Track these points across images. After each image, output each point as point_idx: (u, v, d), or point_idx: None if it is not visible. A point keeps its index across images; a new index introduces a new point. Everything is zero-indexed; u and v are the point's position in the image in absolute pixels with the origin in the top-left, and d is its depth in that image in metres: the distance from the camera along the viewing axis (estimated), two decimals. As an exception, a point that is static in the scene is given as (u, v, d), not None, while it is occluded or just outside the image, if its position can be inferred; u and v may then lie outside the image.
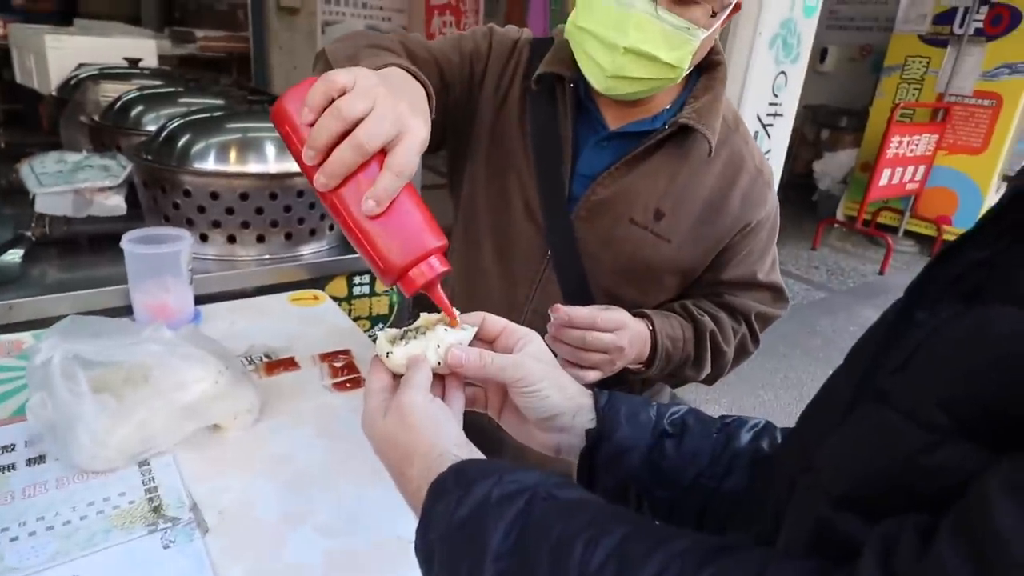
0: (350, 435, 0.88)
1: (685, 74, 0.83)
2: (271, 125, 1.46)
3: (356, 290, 1.47)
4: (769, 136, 2.37)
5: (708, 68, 0.90)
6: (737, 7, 0.80)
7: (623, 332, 0.83)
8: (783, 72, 2.28)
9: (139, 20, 6.08)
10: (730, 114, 0.93)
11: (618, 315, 0.83)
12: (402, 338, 0.56)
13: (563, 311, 0.81)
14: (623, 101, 0.88)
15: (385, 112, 0.51)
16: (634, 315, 0.87)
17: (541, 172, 0.90)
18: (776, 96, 2.31)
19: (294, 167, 1.31)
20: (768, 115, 2.32)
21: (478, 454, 0.49)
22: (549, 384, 0.55)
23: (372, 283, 1.49)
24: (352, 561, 0.69)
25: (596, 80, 0.82)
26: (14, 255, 1.21)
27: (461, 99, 0.93)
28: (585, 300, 0.89)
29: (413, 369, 0.52)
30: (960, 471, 0.27)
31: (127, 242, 1.02)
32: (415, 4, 4.41)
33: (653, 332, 0.88)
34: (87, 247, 1.31)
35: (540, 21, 3.10)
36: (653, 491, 0.55)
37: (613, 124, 0.90)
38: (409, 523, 0.48)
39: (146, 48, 2.52)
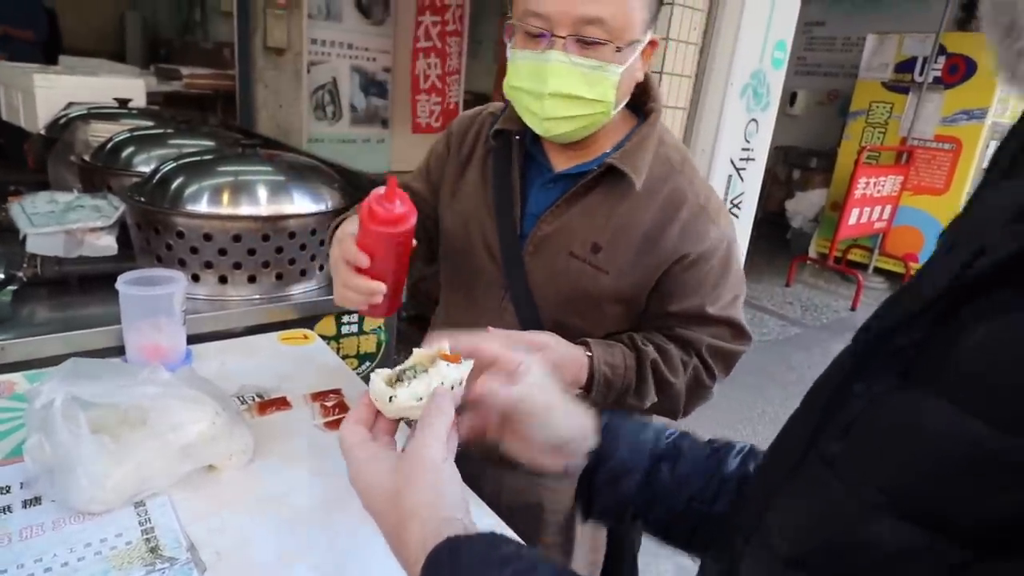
0: (343, 474, 0.89)
1: (618, 108, 0.92)
2: (263, 168, 1.49)
3: (344, 329, 1.50)
4: (742, 179, 2.47)
5: (645, 115, 0.99)
6: (653, 44, 0.91)
7: (545, 353, 0.86)
8: (754, 119, 2.39)
9: (123, 56, 6.13)
10: (677, 156, 0.99)
11: (542, 337, 0.88)
12: (399, 379, 0.55)
13: (489, 331, 0.86)
14: (567, 145, 0.96)
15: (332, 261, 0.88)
16: (577, 343, 0.93)
17: (498, 214, 0.99)
18: (748, 141, 2.41)
19: (285, 209, 1.36)
20: (741, 159, 2.42)
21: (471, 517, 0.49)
22: (558, 413, 0.57)
23: (360, 322, 1.51)
24: (347, 599, 0.70)
25: (534, 126, 0.93)
26: (5, 295, 1.22)
27: (440, 180, 1.11)
28: (537, 329, 0.95)
29: (435, 415, 0.50)
30: (898, 545, 0.29)
31: (122, 283, 1.05)
32: (400, 46, 4.52)
33: (591, 359, 0.92)
34: (78, 287, 1.33)
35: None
36: (648, 512, 0.57)
37: (558, 167, 0.99)
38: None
39: (135, 88, 2.56)
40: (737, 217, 2.52)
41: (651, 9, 0.87)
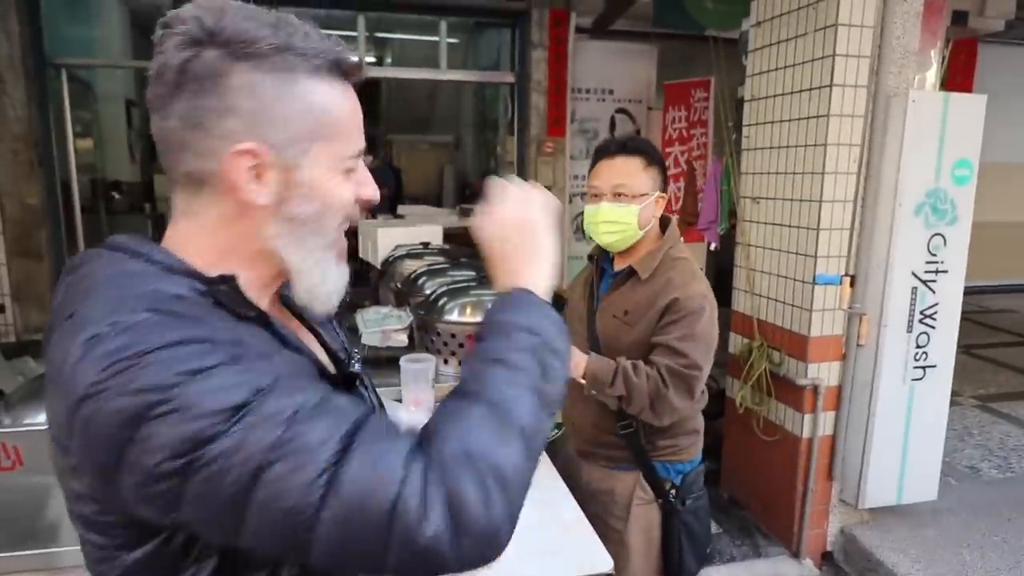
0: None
1: (642, 230, 1.67)
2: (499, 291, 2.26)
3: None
4: (933, 291, 2.51)
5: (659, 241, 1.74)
6: (661, 198, 1.68)
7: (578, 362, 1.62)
8: (939, 234, 2.47)
9: (441, 199, 8.06)
10: (679, 262, 1.68)
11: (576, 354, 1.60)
12: None
13: None
14: (621, 253, 1.71)
15: None
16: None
17: (588, 297, 1.80)
18: (934, 255, 2.48)
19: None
20: (927, 272, 2.49)
21: None
22: None
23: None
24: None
25: (597, 239, 1.69)
26: (353, 367, 2.14)
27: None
28: (599, 354, 1.69)
29: None
30: None
31: (402, 361, 1.85)
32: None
33: (588, 360, 1.64)
34: (385, 363, 2.21)
35: (712, 203, 3.65)
36: None
37: (616, 268, 1.77)
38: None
39: (435, 233, 3.70)
40: (933, 328, 2.53)
41: (656, 180, 1.67)
